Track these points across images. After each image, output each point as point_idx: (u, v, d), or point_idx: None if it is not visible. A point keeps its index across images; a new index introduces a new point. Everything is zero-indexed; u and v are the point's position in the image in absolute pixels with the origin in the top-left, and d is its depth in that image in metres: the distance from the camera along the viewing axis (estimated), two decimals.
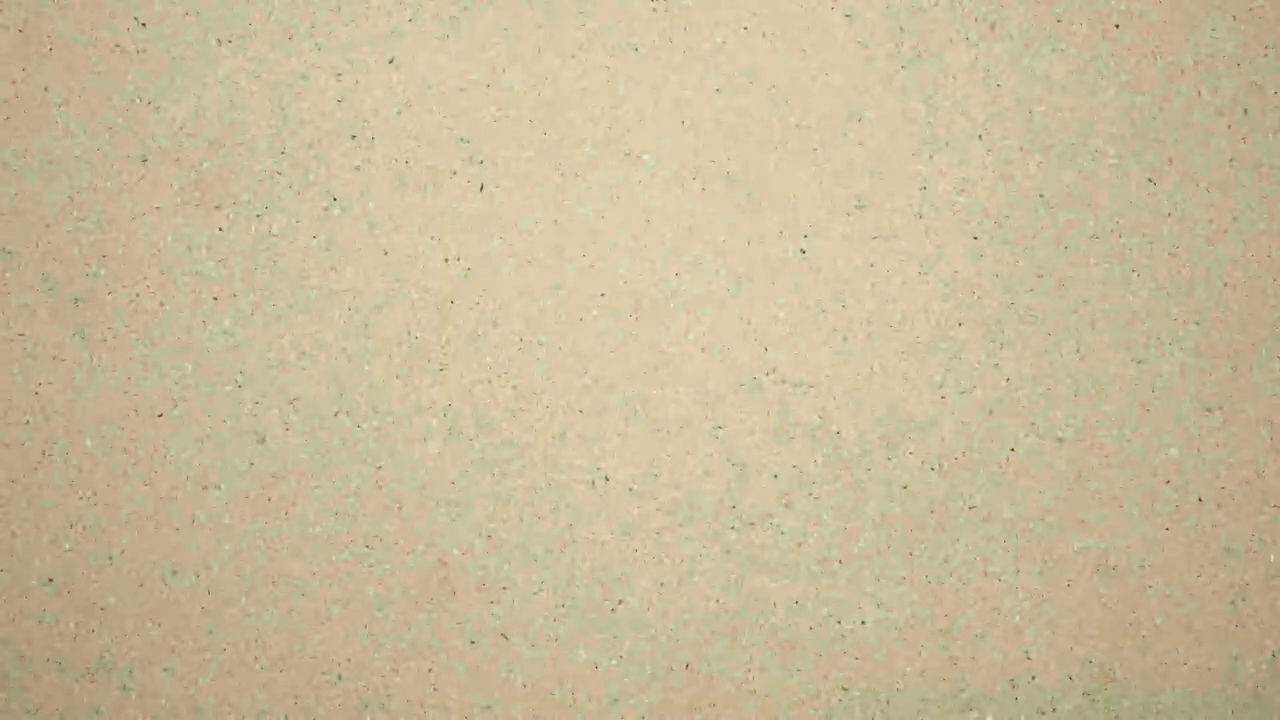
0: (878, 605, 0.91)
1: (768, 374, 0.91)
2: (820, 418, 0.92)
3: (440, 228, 0.93)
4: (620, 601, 0.92)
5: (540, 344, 0.92)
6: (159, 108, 0.94)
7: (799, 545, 0.92)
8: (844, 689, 0.91)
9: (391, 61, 0.93)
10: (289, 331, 0.93)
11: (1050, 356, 0.91)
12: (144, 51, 0.94)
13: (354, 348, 0.93)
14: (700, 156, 0.92)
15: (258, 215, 0.93)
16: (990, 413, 0.90)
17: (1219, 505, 0.92)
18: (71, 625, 0.94)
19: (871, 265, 0.91)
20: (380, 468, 0.93)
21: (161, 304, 0.93)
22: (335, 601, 0.93)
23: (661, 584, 0.92)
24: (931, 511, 0.91)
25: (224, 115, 0.93)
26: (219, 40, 0.94)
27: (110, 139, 0.94)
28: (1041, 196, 0.92)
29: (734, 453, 0.92)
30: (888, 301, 0.87)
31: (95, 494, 0.94)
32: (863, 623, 0.91)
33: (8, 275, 0.94)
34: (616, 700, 0.91)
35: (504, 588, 0.92)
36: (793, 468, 0.92)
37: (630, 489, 0.92)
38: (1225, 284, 0.92)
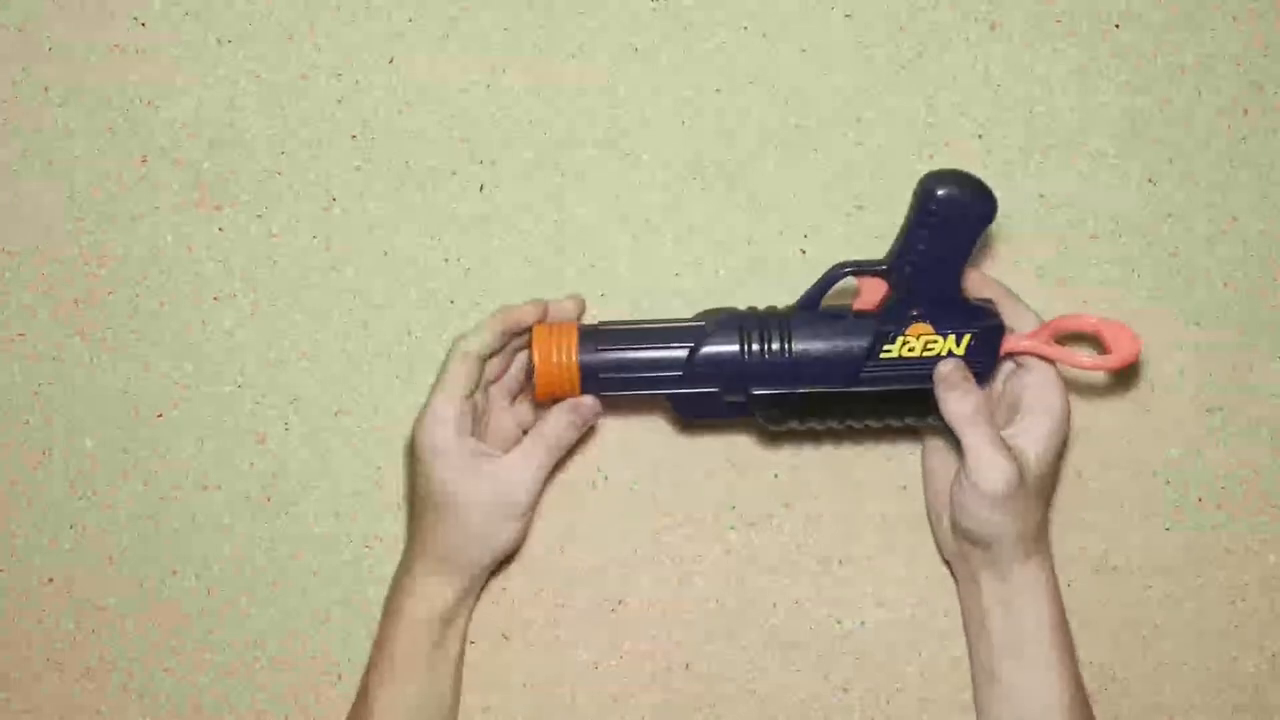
0: (878, 605, 0.91)
1: None
2: None
3: (440, 228, 0.93)
4: (620, 601, 0.92)
5: None
6: (159, 108, 0.94)
7: (799, 545, 0.92)
8: (844, 689, 0.91)
9: (391, 61, 0.93)
10: (289, 331, 0.93)
11: None
12: (144, 51, 0.94)
13: (354, 348, 0.93)
14: (700, 156, 0.92)
15: (258, 215, 0.93)
16: None
17: (1219, 505, 0.92)
18: (71, 625, 0.94)
19: None
20: (380, 468, 0.93)
21: (161, 304, 0.93)
22: (335, 602, 0.93)
23: (661, 584, 0.92)
24: None
25: (224, 115, 0.93)
26: (219, 40, 0.94)
27: (110, 139, 0.94)
28: (1041, 197, 0.92)
29: (734, 453, 0.92)
30: None
31: (95, 494, 0.94)
32: (862, 623, 0.91)
33: (8, 275, 0.94)
34: (616, 700, 0.91)
35: (504, 588, 0.92)
36: (793, 468, 0.92)
37: (630, 489, 0.92)
38: (1225, 284, 0.92)
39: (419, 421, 0.82)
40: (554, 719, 0.91)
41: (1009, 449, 0.77)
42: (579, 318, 0.87)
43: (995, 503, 0.78)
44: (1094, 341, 0.83)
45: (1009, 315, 0.82)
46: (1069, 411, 0.81)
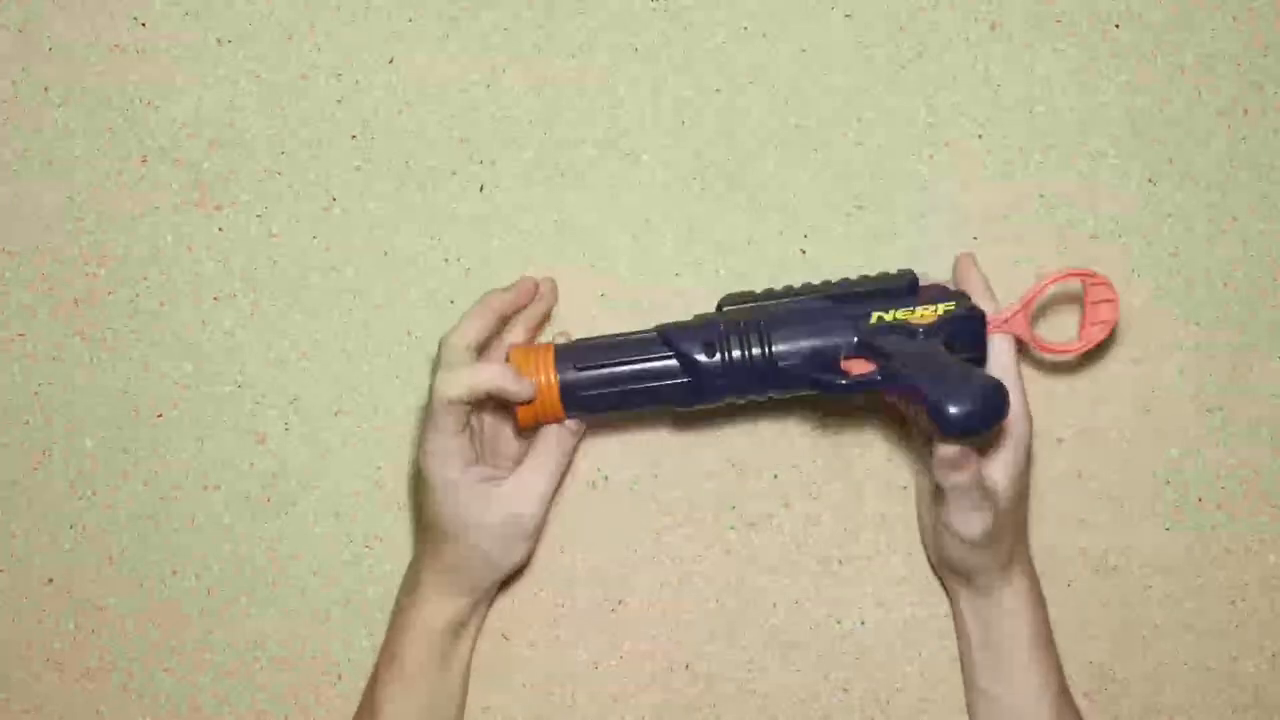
0: (878, 605, 0.91)
1: None
2: (820, 417, 0.92)
3: (440, 228, 0.93)
4: (620, 601, 0.92)
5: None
6: (159, 108, 0.94)
7: (799, 545, 0.92)
8: (844, 689, 0.91)
9: (391, 62, 0.93)
10: (289, 331, 0.93)
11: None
12: (144, 51, 0.94)
13: (354, 348, 0.93)
14: (700, 156, 0.92)
15: (258, 215, 0.93)
16: None
17: (1219, 505, 0.92)
18: (71, 625, 0.94)
19: (872, 265, 0.91)
20: (380, 468, 0.93)
21: (161, 304, 0.93)
22: (335, 602, 0.93)
23: (661, 584, 0.92)
24: None
25: (224, 115, 0.93)
26: (219, 40, 0.94)
27: (110, 139, 0.94)
28: (1041, 197, 0.92)
29: (734, 453, 0.92)
30: None
31: (95, 494, 0.94)
32: (862, 623, 0.91)
33: (8, 275, 0.94)
34: (616, 700, 0.91)
35: (504, 588, 0.92)
36: (793, 467, 0.92)
37: (630, 489, 0.92)
38: (1225, 284, 0.92)
39: (423, 454, 0.80)
40: (554, 719, 0.91)
41: (988, 498, 0.78)
42: (551, 303, 0.89)
43: (974, 546, 0.80)
44: (1074, 303, 0.83)
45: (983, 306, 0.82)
46: (1031, 431, 0.80)
